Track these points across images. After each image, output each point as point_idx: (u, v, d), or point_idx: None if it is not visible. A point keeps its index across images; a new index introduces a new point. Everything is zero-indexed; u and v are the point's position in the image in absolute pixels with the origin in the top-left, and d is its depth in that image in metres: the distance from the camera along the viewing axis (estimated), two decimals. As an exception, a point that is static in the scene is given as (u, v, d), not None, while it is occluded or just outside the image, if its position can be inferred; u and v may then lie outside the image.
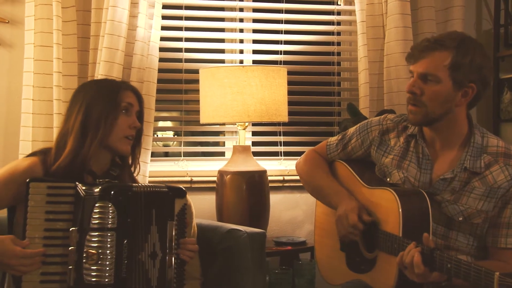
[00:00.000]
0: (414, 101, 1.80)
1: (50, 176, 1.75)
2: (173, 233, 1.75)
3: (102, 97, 1.83)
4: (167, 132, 3.44)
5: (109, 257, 1.62)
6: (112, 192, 1.65)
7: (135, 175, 1.99)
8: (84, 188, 1.68)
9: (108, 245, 1.62)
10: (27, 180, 1.66)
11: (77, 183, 1.69)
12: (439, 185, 1.82)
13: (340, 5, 3.13)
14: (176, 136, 3.16)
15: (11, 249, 1.59)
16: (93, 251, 1.61)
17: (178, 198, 1.78)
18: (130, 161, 1.96)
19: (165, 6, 2.84)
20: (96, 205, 1.63)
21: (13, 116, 2.69)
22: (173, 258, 1.75)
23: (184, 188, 1.82)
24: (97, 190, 1.65)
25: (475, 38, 1.84)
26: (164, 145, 3.25)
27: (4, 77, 2.72)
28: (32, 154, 1.85)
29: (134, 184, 1.76)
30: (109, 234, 1.63)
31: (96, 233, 1.62)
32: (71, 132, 1.80)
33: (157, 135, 3.01)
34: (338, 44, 3.16)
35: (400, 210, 1.73)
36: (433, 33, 2.88)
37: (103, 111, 1.80)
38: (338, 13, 3.14)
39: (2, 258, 1.59)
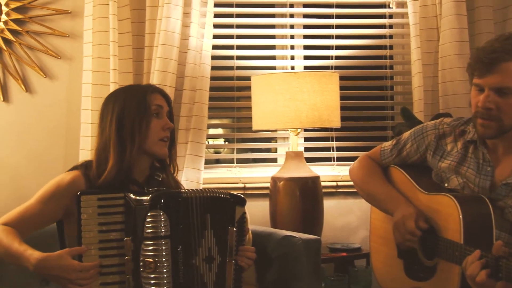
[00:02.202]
0: (488, 116, 1.73)
1: (95, 188, 1.76)
2: (234, 240, 1.75)
3: (132, 105, 1.82)
4: (218, 139, 3.47)
5: (165, 264, 1.63)
6: (163, 200, 1.65)
7: (175, 175, 1.98)
8: (133, 197, 1.69)
9: (164, 253, 1.63)
10: (78, 193, 1.67)
11: (126, 193, 1.71)
12: (502, 191, 1.76)
13: (392, 8, 3.10)
14: (228, 143, 3.18)
15: (69, 263, 1.61)
16: (150, 260, 1.62)
17: (239, 205, 1.78)
18: (168, 162, 1.95)
19: (216, 15, 2.88)
20: (148, 214, 1.64)
21: (73, 126, 2.76)
22: (232, 263, 1.75)
23: (244, 197, 1.81)
24: (147, 199, 1.66)
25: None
26: (216, 152, 3.27)
27: (64, 89, 2.80)
28: (74, 168, 1.85)
29: (183, 190, 1.77)
30: (163, 242, 1.63)
31: (151, 242, 1.63)
32: (109, 144, 1.80)
33: (208, 142, 3.02)
34: (391, 47, 3.13)
35: (460, 216, 1.69)
36: (491, 33, 2.82)
37: (135, 119, 1.80)
38: (390, 16, 3.12)
39: (62, 273, 1.61)
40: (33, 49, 2.77)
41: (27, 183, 2.72)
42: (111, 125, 1.81)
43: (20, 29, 2.74)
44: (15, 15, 2.73)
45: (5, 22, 2.73)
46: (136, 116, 1.81)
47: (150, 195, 1.66)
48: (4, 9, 2.72)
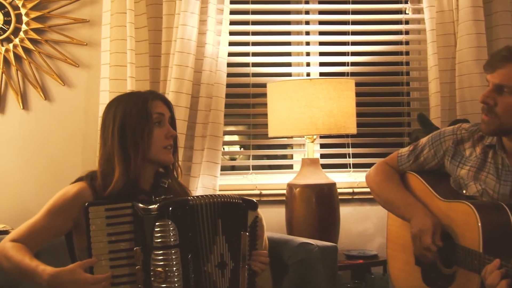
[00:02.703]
0: (488, 111, 1.79)
1: (101, 199, 1.76)
2: (247, 244, 1.74)
3: (133, 114, 1.80)
4: (234, 145, 3.47)
5: (176, 273, 1.62)
6: (170, 209, 1.64)
7: (179, 179, 1.97)
8: (141, 207, 1.68)
9: (174, 262, 1.62)
10: (86, 205, 1.66)
11: (134, 202, 1.70)
12: None
13: (408, 14, 3.11)
14: (244, 149, 3.18)
15: (82, 277, 1.61)
16: (160, 269, 1.61)
17: (251, 210, 1.77)
18: (171, 167, 1.94)
19: (232, 23, 2.90)
20: (157, 223, 1.63)
21: (90, 133, 2.79)
22: (246, 268, 1.74)
23: (255, 201, 1.81)
24: (155, 208, 1.65)
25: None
26: (231, 159, 3.28)
27: (82, 97, 2.83)
28: (79, 179, 1.84)
29: (190, 197, 1.74)
30: (173, 251, 1.62)
31: (161, 251, 1.62)
32: (113, 156, 1.78)
33: (224, 149, 3.03)
34: (407, 53, 3.13)
35: (479, 224, 1.67)
36: (509, 38, 2.81)
37: (136, 128, 1.78)
38: (406, 22, 3.12)
39: (75, 287, 1.62)
40: (52, 58, 2.80)
41: (46, 190, 2.67)
42: (113, 136, 1.79)
43: (39, 38, 2.78)
44: (35, 25, 2.77)
45: (25, 32, 2.76)
46: (138, 125, 1.79)
47: (158, 204, 1.65)
48: (24, 18, 2.75)
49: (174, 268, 1.61)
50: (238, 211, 1.75)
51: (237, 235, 1.74)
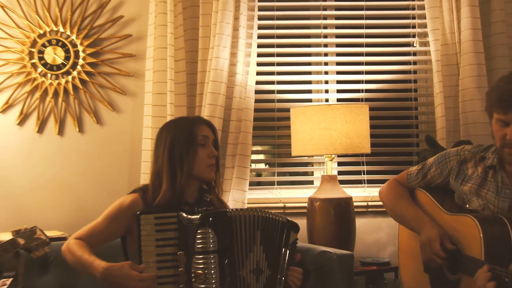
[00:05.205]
0: None
1: (151, 209, 1.79)
2: (286, 259, 1.75)
3: (181, 137, 1.84)
4: (260, 163, 3.48)
5: (214, 276, 1.64)
6: (211, 219, 1.66)
7: (219, 196, 2.00)
8: (185, 216, 1.70)
9: (212, 266, 1.64)
10: (138, 213, 1.70)
11: (179, 212, 1.72)
12: None
13: (416, 46, 3.09)
14: (269, 167, 3.19)
15: (130, 274, 1.64)
16: (200, 272, 1.63)
17: (293, 231, 1.78)
18: (213, 184, 1.96)
19: (259, 54, 2.91)
20: (198, 231, 1.65)
21: (135, 153, 2.82)
22: (282, 278, 1.75)
23: (298, 225, 1.81)
24: (197, 217, 1.67)
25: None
26: (258, 175, 3.28)
27: (128, 121, 2.88)
28: (133, 191, 1.89)
29: (229, 209, 1.77)
30: (212, 256, 1.64)
31: (201, 256, 1.64)
32: (162, 172, 1.83)
33: (251, 166, 3.05)
34: (415, 81, 3.11)
35: (481, 235, 1.67)
36: (506, 68, 2.80)
37: (183, 148, 1.82)
38: (414, 54, 3.10)
39: (123, 281, 1.65)
40: (104, 87, 2.85)
41: (98, 198, 2.77)
42: (164, 155, 1.83)
43: (93, 70, 2.83)
44: (90, 59, 2.83)
45: (82, 65, 2.82)
46: (185, 145, 1.83)
47: (200, 214, 1.68)
48: (81, 54, 2.82)
49: (212, 271, 1.64)
50: (280, 228, 1.76)
51: (277, 248, 1.74)
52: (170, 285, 1.67)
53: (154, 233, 1.69)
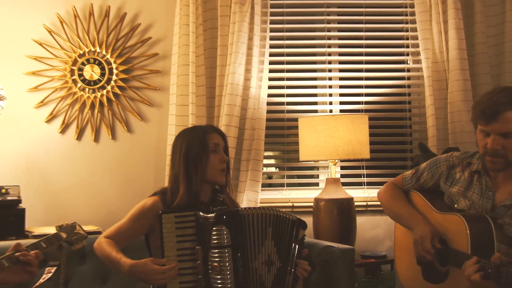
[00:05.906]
0: (496, 155, 1.74)
1: (170, 209, 1.79)
2: (295, 253, 1.75)
3: (194, 144, 1.83)
4: (271, 167, 3.49)
5: (228, 267, 1.65)
6: (224, 217, 1.66)
7: (230, 195, 1.99)
8: (202, 215, 1.70)
9: (227, 259, 1.65)
10: (160, 213, 1.70)
11: (196, 211, 1.72)
12: (501, 211, 1.77)
13: (409, 64, 3.10)
14: (279, 170, 3.17)
15: (153, 268, 1.66)
16: (216, 264, 1.64)
17: (302, 228, 1.79)
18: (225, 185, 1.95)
19: (271, 70, 2.93)
20: (214, 228, 1.65)
21: (160, 156, 2.83)
22: (292, 270, 1.75)
23: (306, 222, 1.82)
24: (212, 216, 1.68)
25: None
26: (269, 178, 3.29)
27: (154, 129, 2.89)
28: (154, 194, 1.89)
29: (241, 208, 1.76)
30: (226, 250, 1.65)
31: (216, 250, 1.65)
32: (179, 176, 1.82)
33: (262, 170, 3.07)
34: (409, 94, 3.11)
35: (468, 231, 1.69)
36: (488, 84, 2.81)
37: (197, 155, 1.81)
38: (408, 70, 3.10)
39: (147, 276, 1.67)
40: (133, 100, 2.88)
41: (127, 200, 2.76)
42: (180, 161, 1.83)
43: (125, 85, 2.87)
44: (122, 75, 2.87)
45: (115, 81, 2.85)
46: (198, 152, 1.82)
47: (215, 213, 1.68)
48: (115, 71, 2.85)
49: (227, 264, 1.65)
50: (290, 225, 1.75)
51: (287, 243, 1.73)
52: (190, 276, 1.69)
53: (174, 230, 1.69)
